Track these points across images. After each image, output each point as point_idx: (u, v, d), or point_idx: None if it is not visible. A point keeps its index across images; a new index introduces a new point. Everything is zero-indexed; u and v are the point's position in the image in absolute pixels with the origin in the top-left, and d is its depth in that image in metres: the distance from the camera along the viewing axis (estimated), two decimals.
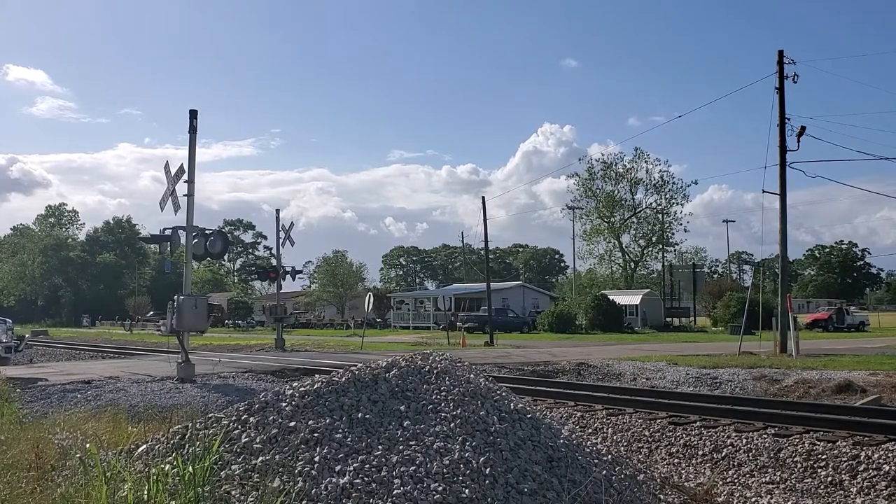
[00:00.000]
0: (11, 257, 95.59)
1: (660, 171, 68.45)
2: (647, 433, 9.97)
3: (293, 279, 31.09)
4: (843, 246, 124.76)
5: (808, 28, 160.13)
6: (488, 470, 5.19)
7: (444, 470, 5.09)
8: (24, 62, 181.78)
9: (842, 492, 7.64)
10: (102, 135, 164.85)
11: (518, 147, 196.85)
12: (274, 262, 38.75)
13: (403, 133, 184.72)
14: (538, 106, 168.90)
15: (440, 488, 4.88)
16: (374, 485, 4.87)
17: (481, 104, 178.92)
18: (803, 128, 24.97)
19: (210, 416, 5.91)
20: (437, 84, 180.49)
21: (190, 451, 5.16)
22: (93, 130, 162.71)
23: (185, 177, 14.44)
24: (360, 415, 5.63)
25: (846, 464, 7.98)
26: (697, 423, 10.02)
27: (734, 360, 19.62)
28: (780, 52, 25.77)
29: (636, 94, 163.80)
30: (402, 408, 5.81)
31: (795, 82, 25.61)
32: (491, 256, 63.17)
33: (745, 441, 8.97)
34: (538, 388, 13.70)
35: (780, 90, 25.50)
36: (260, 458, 5.12)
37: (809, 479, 7.96)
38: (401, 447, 5.29)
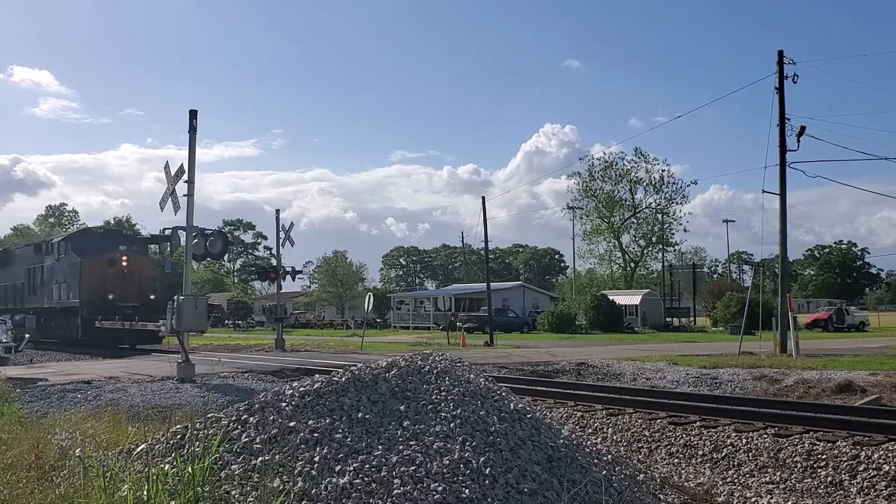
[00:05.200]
0: None
1: (660, 170, 68.52)
2: (646, 433, 9.97)
3: (293, 279, 31.11)
4: (842, 246, 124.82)
5: (808, 28, 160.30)
6: (488, 470, 5.19)
7: (444, 470, 5.09)
8: (28, 62, 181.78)
9: (842, 492, 7.64)
10: (105, 135, 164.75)
11: (519, 147, 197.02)
12: (274, 262, 38.75)
13: (405, 133, 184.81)
14: (540, 106, 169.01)
15: (440, 488, 4.88)
16: (374, 485, 4.87)
17: (483, 105, 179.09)
18: (803, 128, 25.01)
19: (210, 416, 5.91)
20: (438, 84, 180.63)
21: (190, 451, 5.16)
22: (95, 131, 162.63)
23: (186, 177, 14.43)
24: (360, 415, 5.63)
25: (846, 464, 7.98)
26: (697, 423, 10.02)
27: (734, 360, 19.62)
28: (780, 52, 25.80)
29: (637, 95, 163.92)
30: (402, 408, 5.81)
31: (795, 82, 25.66)
32: (491, 256, 63.18)
33: (744, 441, 8.97)
34: (538, 388, 13.70)
35: (780, 90, 25.52)
36: (260, 458, 5.12)
37: (809, 479, 7.96)
38: (401, 447, 5.29)
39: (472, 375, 6.63)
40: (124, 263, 27.42)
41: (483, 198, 38.22)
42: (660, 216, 68.94)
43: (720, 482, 8.23)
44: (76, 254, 27.84)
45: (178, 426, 5.93)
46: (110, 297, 26.28)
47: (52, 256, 29.49)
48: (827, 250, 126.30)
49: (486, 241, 39.13)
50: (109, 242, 29.30)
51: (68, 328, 27.96)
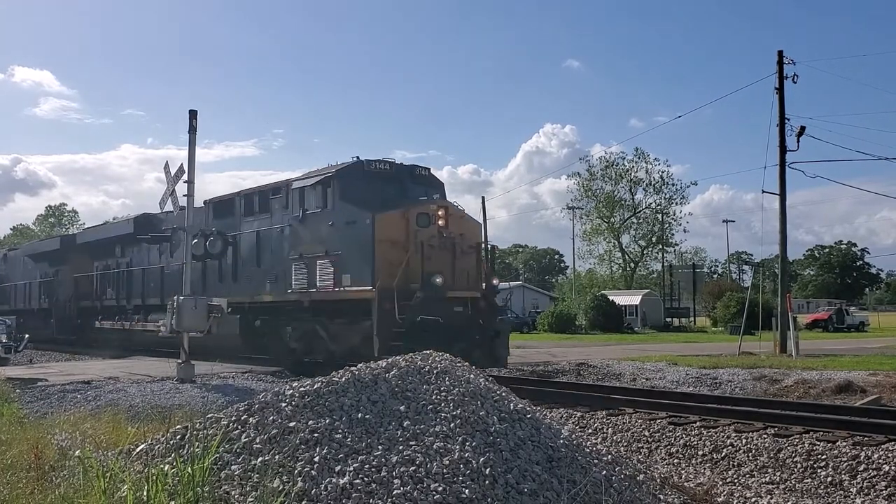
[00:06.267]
0: None
1: (659, 170, 68.57)
2: (646, 433, 9.96)
3: None
4: (842, 246, 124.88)
5: (808, 28, 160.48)
6: (488, 470, 5.19)
7: (444, 470, 5.09)
8: (30, 63, 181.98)
9: (842, 492, 7.63)
10: (105, 135, 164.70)
11: (520, 147, 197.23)
12: None
13: (405, 133, 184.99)
14: (540, 106, 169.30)
15: (440, 488, 4.88)
16: (373, 485, 4.87)
17: (483, 105, 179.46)
18: (803, 128, 25.05)
19: (210, 416, 5.90)
20: (439, 85, 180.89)
21: (189, 451, 5.16)
22: (96, 131, 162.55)
23: (186, 177, 14.41)
24: (359, 415, 5.63)
25: (846, 464, 7.98)
26: (697, 423, 10.02)
27: (734, 361, 19.61)
28: (780, 53, 25.84)
29: (637, 95, 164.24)
30: (401, 408, 5.81)
31: (795, 82, 25.71)
32: None
33: (744, 441, 8.97)
34: (538, 388, 13.68)
35: (780, 90, 25.55)
36: (260, 459, 5.12)
37: (809, 480, 7.96)
38: (401, 447, 5.29)
39: (471, 375, 6.63)
40: (442, 222, 15.06)
41: (483, 198, 38.38)
42: (660, 216, 69.01)
43: (720, 482, 8.23)
44: (354, 204, 15.18)
45: (178, 426, 5.93)
46: (437, 280, 14.41)
47: (286, 212, 16.66)
48: (827, 250, 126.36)
49: (486, 242, 39.12)
50: (400, 186, 16.20)
51: (338, 338, 15.51)
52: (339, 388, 5.96)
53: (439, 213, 15.10)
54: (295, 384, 6.22)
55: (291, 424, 5.46)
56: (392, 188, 15.96)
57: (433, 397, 6.01)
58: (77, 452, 5.46)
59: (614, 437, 10.09)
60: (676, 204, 68.26)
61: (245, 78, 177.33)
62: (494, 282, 15.84)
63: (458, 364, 6.82)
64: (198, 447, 5.08)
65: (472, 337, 14.65)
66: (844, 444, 8.40)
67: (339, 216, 15.33)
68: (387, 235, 14.50)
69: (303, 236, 16.10)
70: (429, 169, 17.09)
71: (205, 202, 19.95)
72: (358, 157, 16.07)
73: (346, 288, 14.82)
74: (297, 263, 16.12)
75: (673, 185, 68.08)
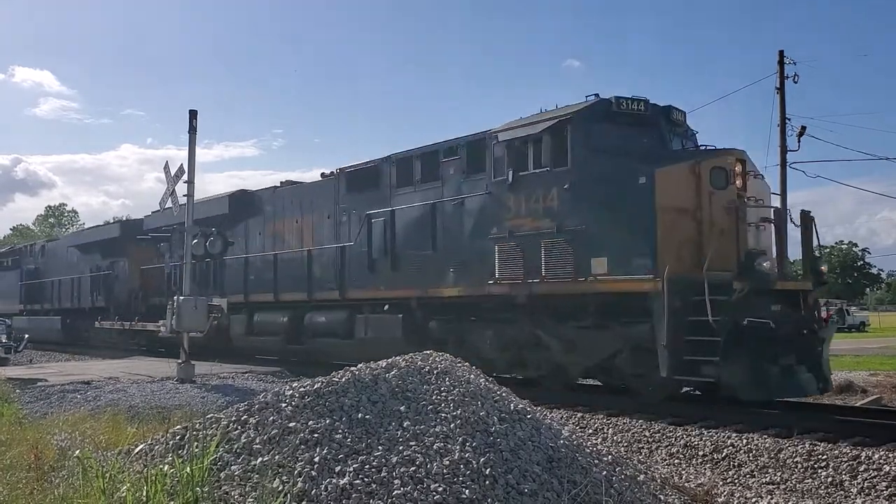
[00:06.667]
0: None
1: None
2: (647, 434, 9.95)
3: None
4: (843, 246, 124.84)
5: (809, 28, 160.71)
6: (488, 470, 5.18)
7: (445, 470, 5.08)
8: (30, 63, 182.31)
9: (842, 492, 7.62)
10: (105, 135, 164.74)
11: None
12: None
13: (406, 133, 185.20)
14: (540, 106, 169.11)
15: (440, 489, 4.87)
16: (374, 485, 4.87)
17: (484, 105, 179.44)
18: (804, 128, 25.11)
19: (209, 416, 5.90)
20: (439, 84, 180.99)
21: (189, 451, 5.15)
22: (96, 131, 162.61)
23: (186, 177, 14.41)
24: (359, 415, 5.62)
25: (846, 464, 7.97)
26: (698, 423, 10.01)
27: None
28: (781, 52, 25.87)
29: (637, 95, 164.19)
30: (402, 408, 5.80)
31: (796, 82, 25.73)
32: None
33: (745, 442, 8.96)
34: (538, 388, 13.63)
35: (781, 90, 25.57)
36: (259, 459, 5.11)
37: (810, 480, 7.95)
38: (401, 448, 5.28)
39: (472, 376, 6.62)
40: (739, 182, 10.85)
41: None
42: None
43: (721, 483, 8.22)
44: (611, 156, 11.12)
45: (178, 427, 5.92)
46: (765, 264, 11.19)
47: (476, 177, 12.71)
48: (827, 250, 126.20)
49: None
50: (657, 134, 11.85)
51: (578, 348, 11.51)
52: (339, 389, 5.96)
53: (736, 168, 10.76)
54: (295, 384, 6.22)
55: (291, 425, 5.45)
56: (649, 137, 11.69)
57: (433, 398, 6.01)
58: (76, 453, 5.45)
59: (615, 438, 10.08)
60: None
61: (245, 78, 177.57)
62: (822, 268, 12.12)
63: (459, 364, 6.81)
64: (197, 447, 5.08)
65: (801, 348, 10.57)
66: (845, 444, 8.39)
67: (584, 174, 11.07)
68: (672, 201, 10.25)
69: (512, 207, 11.91)
70: (685, 112, 12.48)
71: (332, 173, 16.47)
72: (598, 95, 12.09)
73: (600, 276, 10.64)
74: (502, 244, 11.96)
75: None
